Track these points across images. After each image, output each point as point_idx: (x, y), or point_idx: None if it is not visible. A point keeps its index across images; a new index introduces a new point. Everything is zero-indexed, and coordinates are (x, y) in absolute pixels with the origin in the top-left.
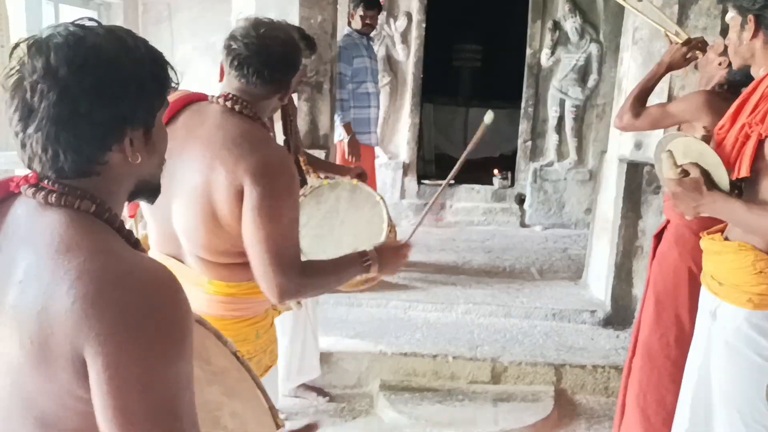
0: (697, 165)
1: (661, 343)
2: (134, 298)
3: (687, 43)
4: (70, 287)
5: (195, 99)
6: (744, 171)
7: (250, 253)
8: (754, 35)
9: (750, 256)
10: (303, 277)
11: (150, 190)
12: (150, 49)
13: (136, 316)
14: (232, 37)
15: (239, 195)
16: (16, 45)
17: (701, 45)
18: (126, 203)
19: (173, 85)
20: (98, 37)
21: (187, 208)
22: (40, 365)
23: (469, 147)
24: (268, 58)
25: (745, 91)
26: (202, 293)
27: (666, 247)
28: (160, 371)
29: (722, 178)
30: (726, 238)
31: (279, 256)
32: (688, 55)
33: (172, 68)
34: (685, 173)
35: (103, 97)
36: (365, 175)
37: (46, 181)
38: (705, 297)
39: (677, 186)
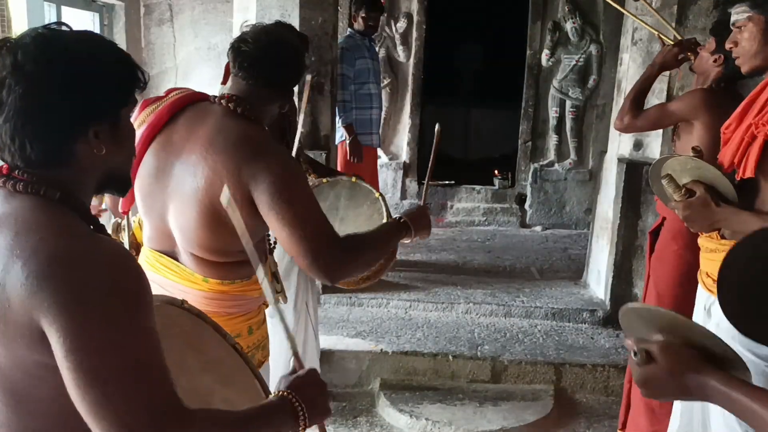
0: (700, 182)
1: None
2: (87, 273)
3: (678, 44)
4: (24, 263)
5: (197, 98)
6: (749, 171)
7: (289, 249)
8: None
9: None
10: (347, 250)
11: (119, 182)
12: (117, 50)
13: (89, 287)
14: (242, 39)
15: (245, 198)
16: None
17: (693, 45)
18: (102, 196)
19: (140, 84)
20: (65, 37)
21: (186, 207)
22: (3, 337)
23: (432, 157)
24: (278, 63)
25: (754, 90)
26: (196, 290)
27: (664, 244)
28: (115, 337)
29: (727, 188)
30: (722, 236)
31: (314, 236)
32: (680, 56)
33: (140, 69)
34: (691, 193)
35: (68, 90)
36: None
37: (16, 172)
38: (700, 294)
39: (687, 208)
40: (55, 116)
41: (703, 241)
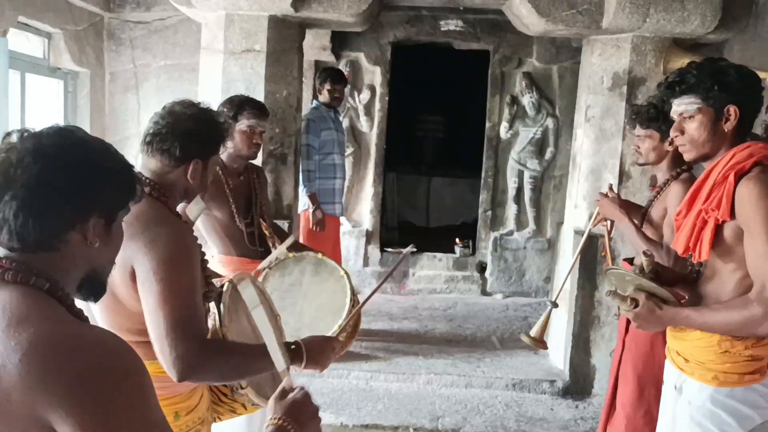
0: (641, 290)
1: (645, 419)
2: (85, 363)
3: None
4: (21, 357)
5: None
6: (704, 254)
7: (151, 329)
8: (735, 122)
9: (715, 337)
10: (207, 353)
11: (96, 285)
12: (125, 161)
13: (91, 378)
14: (150, 119)
15: (132, 275)
16: (8, 134)
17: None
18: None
19: (136, 196)
20: (85, 135)
21: None
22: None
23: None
24: (170, 133)
25: (699, 178)
26: None
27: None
28: (125, 422)
29: (663, 294)
30: None
31: (175, 324)
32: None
33: (140, 183)
34: (635, 302)
35: (81, 177)
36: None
37: (4, 261)
38: (670, 371)
39: (636, 318)
40: (64, 198)
41: None
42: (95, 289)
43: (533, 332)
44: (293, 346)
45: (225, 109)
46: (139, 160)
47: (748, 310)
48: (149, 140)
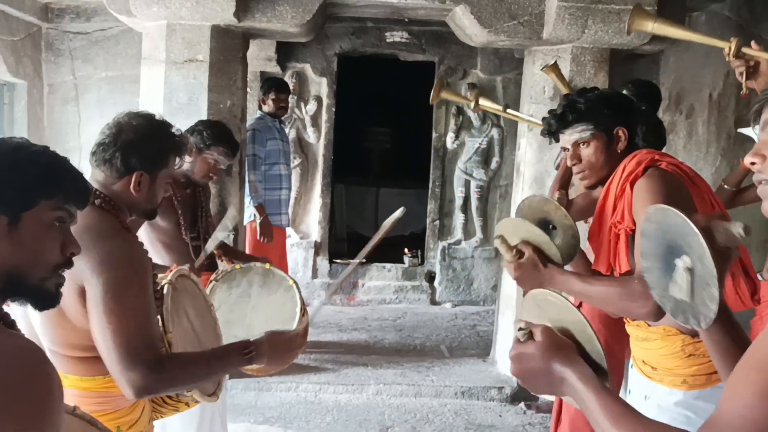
0: (528, 243)
1: (586, 420)
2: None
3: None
4: None
5: None
6: (624, 266)
7: (100, 349)
8: (625, 142)
9: (678, 341)
10: (161, 371)
11: (28, 291)
12: (51, 156)
13: (3, 390)
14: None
15: (81, 291)
16: None
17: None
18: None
19: (71, 195)
20: None
21: None
22: None
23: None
24: (112, 144)
25: (599, 199)
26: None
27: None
28: None
29: (553, 252)
30: (649, 324)
31: (128, 350)
32: None
33: (76, 182)
34: (520, 254)
35: None
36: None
37: None
38: (638, 381)
39: (517, 269)
40: None
41: (631, 329)
42: (29, 295)
43: None
44: (249, 348)
45: (202, 130)
46: (88, 172)
47: (629, 287)
48: (93, 150)
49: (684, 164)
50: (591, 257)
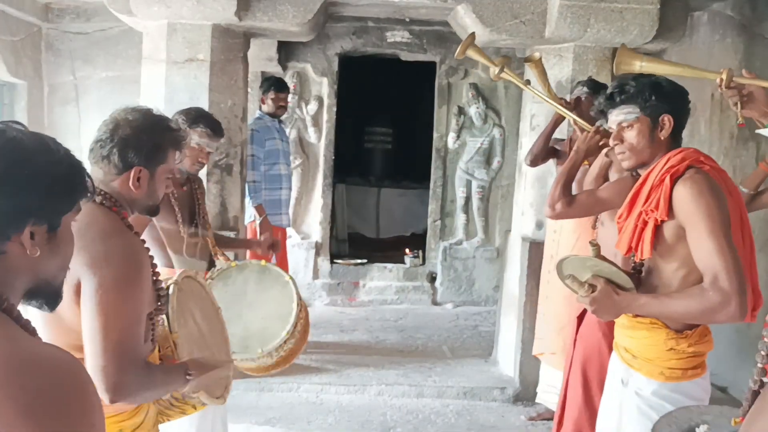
0: (599, 276)
1: (591, 421)
2: (38, 383)
3: (598, 131)
4: None
5: None
6: (646, 253)
7: (87, 347)
8: (670, 130)
9: (662, 334)
10: (139, 381)
11: (49, 293)
12: (69, 156)
13: (41, 399)
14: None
15: (76, 289)
16: None
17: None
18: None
19: (88, 194)
20: (18, 133)
21: None
22: None
23: None
24: (109, 140)
25: (637, 183)
26: None
27: (588, 329)
28: None
29: (623, 279)
30: (637, 315)
31: (119, 351)
32: (601, 143)
33: (90, 179)
34: (593, 288)
35: (9, 185)
36: (278, 245)
37: None
38: (616, 364)
39: (593, 303)
40: None
41: (619, 318)
42: (47, 297)
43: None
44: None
45: (180, 120)
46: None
47: (706, 298)
48: (92, 147)
49: (724, 172)
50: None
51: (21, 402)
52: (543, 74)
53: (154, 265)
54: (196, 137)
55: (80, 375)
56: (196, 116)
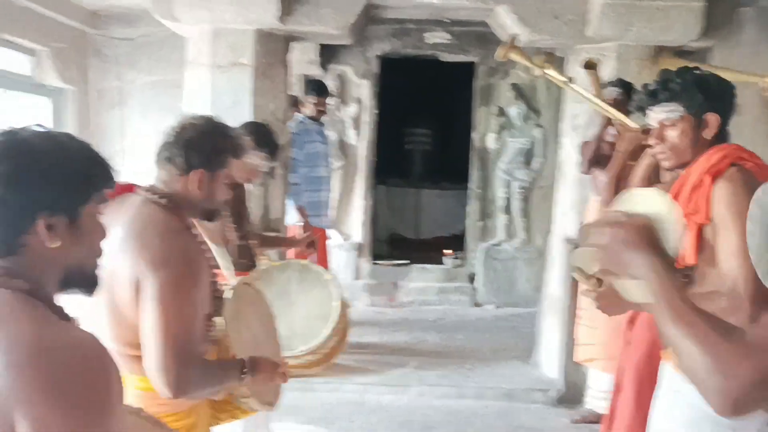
0: (608, 271)
1: (643, 427)
2: (59, 367)
3: (646, 131)
4: (2, 354)
5: (122, 191)
6: (691, 258)
7: (146, 344)
8: (715, 130)
9: None
10: (196, 377)
11: (84, 280)
12: (85, 150)
13: (62, 382)
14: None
15: (136, 285)
16: None
17: None
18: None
19: (109, 184)
20: (30, 134)
21: (101, 300)
22: None
23: None
24: (175, 143)
25: (675, 184)
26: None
27: (640, 332)
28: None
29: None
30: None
31: (179, 348)
32: (644, 142)
33: (112, 169)
34: (599, 283)
35: (18, 183)
36: (315, 243)
37: None
38: (668, 370)
39: (599, 299)
40: (5, 207)
41: None
42: (83, 284)
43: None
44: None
45: (245, 135)
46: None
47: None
48: (158, 150)
49: None
50: None
51: (45, 381)
52: (597, 78)
53: (214, 266)
54: (256, 159)
55: (104, 358)
56: (261, 140)
